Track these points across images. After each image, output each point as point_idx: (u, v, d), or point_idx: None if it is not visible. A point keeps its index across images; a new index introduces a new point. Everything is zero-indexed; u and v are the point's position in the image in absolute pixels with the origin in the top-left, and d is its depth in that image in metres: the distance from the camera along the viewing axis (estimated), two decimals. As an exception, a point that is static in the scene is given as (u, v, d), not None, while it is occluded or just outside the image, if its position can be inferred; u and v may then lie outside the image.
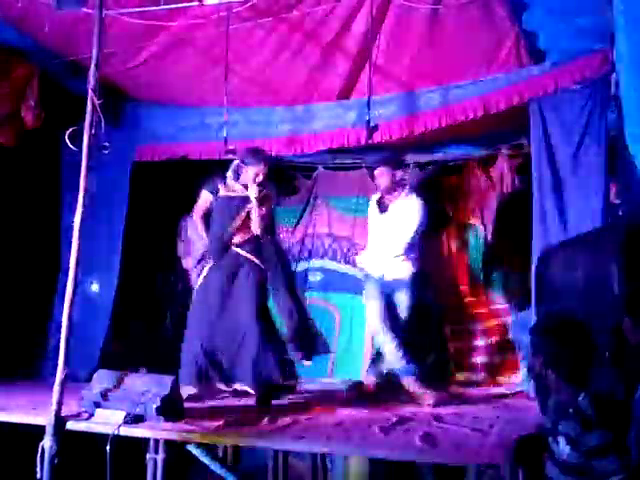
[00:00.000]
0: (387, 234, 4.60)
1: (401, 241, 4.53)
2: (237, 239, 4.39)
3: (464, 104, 4.86)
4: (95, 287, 5.13)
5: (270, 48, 4.74)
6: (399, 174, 4.69)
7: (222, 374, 4.20)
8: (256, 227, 4.35)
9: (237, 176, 4.49)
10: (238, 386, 4.17)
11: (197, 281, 4.47)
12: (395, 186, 4.67)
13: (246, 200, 4.38)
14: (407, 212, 4.58)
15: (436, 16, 4.30)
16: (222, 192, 4.47)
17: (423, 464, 3.95)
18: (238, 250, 4.38)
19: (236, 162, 4.53)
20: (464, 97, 4.87)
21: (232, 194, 4.45)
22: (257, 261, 4.38)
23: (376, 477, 3.59)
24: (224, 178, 4.51)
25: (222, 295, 4.31)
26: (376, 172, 4.71)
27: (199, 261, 4.54)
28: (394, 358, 4.39)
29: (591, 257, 3.10)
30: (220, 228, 4.42)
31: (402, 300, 4.53)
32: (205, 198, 4.54)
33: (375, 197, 4.83)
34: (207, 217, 4.55)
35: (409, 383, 4.37)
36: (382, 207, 4.72)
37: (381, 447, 3.04)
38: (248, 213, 4.38)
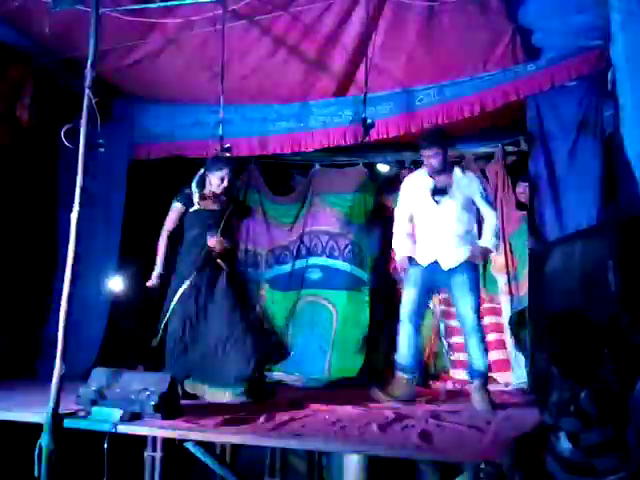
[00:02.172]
0: (447, 220, 4.19)
1: (467, 225, 4.24)
2: (216, 246, 4.36)
3: (460, 101, 4.88)
4: (92, 285, 5.13)
5: (266, 46, 4.74)
6: (449, 153, 4.37)
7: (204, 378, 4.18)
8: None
9: (202, 187, 4.45)
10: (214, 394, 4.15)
11: (173, 296, 4.38)
12: (446, 165, 4.26)
13: (222, 212, 4.41)
14: (471, 189, 4.26)
15: (432, 13, 4.31)
16: (196, 205, 4.44)
17: (421, 461, 3.96)
18: (218, 261, 4.37)
19: (200, 172, 4.50)
20: (460, 94, 4.89)
21: (208, 207, 4.43)
22: (232, 268, 4.41)
23: (374, 475, 3.59)
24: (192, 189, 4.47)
25: (203, 304, 4.29)
26: (428, 152, 4.20)
27: (161, 275, 4.51)
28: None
29: (587, 253, 3.11)
30: (199, 240, 4.36)
31: (465, 287, 4.16)
32: (178, 210, 4.47)
33: (425, 182, 4.31)
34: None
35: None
36: (438, 190, 4.24)
37: (379, 445, 3.04)
38: (226, 224, 4.39)
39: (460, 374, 5.53)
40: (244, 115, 5.39)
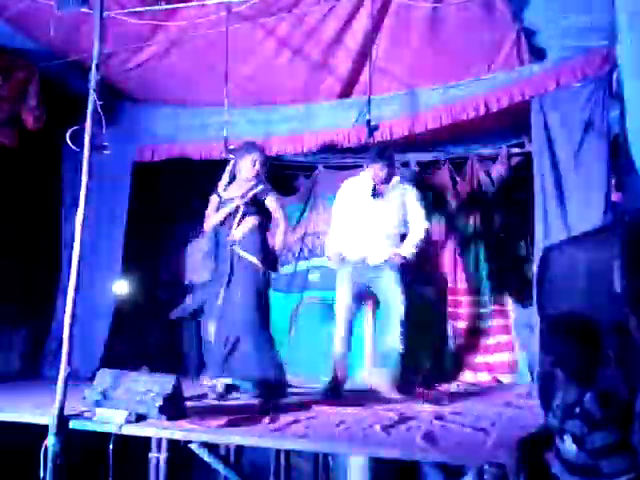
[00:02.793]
0: (379, 220, 4.64)
1: (396, 228, 4.67)
2: (235, 236, 4.41)
3: (465, 103, 4.86)
4: (97, 286, 5.14)
5: (270, 47, 4.74)
6: (395, 171, 4.81)
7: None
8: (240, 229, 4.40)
9: (233, 176, 4.53)
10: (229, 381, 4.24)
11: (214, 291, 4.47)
12: (389, 178, 4.72)
13: (242, 198, 4.43)
14: (405, 200, 4.71)
15: (437, 14, 4.30)
16: (224, 195, 4.53)
17: (425, 463, 3.95)
18: (235, 248, 4.39)
19: (231, 163, 4.57)
20: (465, 96, 4.86)
21: (232, 195, 4.49)
22: (254, 259, 4.38)
23: (378, 476, 3.58)
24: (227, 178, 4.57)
25: (225, 297, 4.35)
26: (375, 165, 4.68)
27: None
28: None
29: (593, 255, 3.10)
30: (225, 231, 4.46)
31: (389, 282, 4.56)
32: (213, 202, 4.56)
33: (366, 186, 4.74)
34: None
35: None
36: (376, 193, 4.70)
37: (383, 446, 3.04)
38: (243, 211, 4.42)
39: (467, 375, 5.53)
40: (248, 117, 5.39)
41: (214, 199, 4.55)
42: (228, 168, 4.61)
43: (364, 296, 4.83)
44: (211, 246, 4.69)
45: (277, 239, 4.53)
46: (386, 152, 4.76)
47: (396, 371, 4.50)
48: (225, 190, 4.57)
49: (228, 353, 4.26)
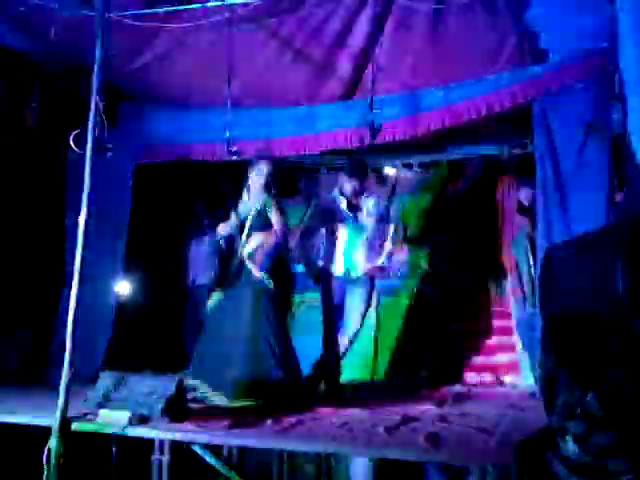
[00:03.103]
0: (358, 235, 4.82)
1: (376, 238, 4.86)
2: (245, 251, 4.46)
3: (467, 104, 4.86)
4: (99, 287, 5.15)
5: (272, 49, 4.75)
6: (365, 182, 4.93)
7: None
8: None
9: (248, 188, 4.58)
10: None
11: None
12: (362, 191, 4.88)
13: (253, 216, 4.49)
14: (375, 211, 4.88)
15: (438, 16, 4.31)
16: (240, 211, 4.60)
17: (428, 464, 3.95)
18: (247, 262, 4.44)
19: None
20: (467, 97, 4.86)
21: (245, 210, 4.56)
22: (261, 274, 4.39)
23: (381, 477, 3.58)
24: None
25: (233, 314, 4.36)
26: (350, 181, 4.83)
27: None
28: None
29: (595, 256, 3.09)
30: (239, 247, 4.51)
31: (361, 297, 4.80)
32: (232, 220, 4.62)
33: (342, 203, 4.88)
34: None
35: None
36: (352, 209, 4.86)
37: (386, 447, 3.03)
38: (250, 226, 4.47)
39: (469, 377, 5.53)
40: (250, 118, 5.38)
41: (232, 217, 4.62)
42: (245, 187, 4.66)
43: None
44: (214, 249, 4.70)
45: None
46: (359, 168, 4.95)
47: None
48: (241, 205, 4.61)
49: (219, 365, 4.24)
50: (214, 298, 4.52)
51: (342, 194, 4.88)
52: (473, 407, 4.12)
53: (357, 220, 4.84)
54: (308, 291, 6.15)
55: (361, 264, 4.78)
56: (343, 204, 4.86)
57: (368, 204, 4.88)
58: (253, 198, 4.55)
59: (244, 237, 4.47)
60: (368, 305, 4.89)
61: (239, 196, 4.64)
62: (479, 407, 4.07)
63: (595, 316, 2.43)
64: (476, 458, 2.85)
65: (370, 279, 4.86)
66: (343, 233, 4.83)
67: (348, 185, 4.83)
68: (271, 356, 4.19)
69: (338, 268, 4.79)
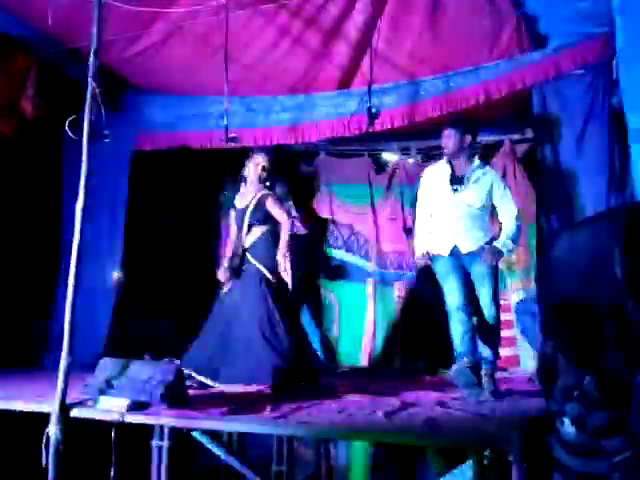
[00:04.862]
0: (462, 207, 4.08)
1: (483, 214, 4.11)
2: (245, 245, 4.48)
3: (466, 91, 4.85)
4: (98, 274, 5.16)
5: (270, 36, 4.73)
6: (468, 139, 4.13)
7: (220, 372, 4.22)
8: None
9: (244, 179, 4.59)
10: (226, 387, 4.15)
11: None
12: (463, 152, 4.13)
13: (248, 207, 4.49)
14: (488, 185, 4.10)
15: (437, 2, 4.29)
16: (238, 204, 4.60)
17: (426, 448, 3.97)
18: (247, 255, 4.46)
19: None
20: (466, 84, 4.86)
21: (242, 205, 4.56)
22: (262, 267, 4.40)
23: (380, 462, 3.60)
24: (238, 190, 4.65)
25: (235, 304, 4.37)
26: (444, 133, 4.15)
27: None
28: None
29: (594, 241, 3.09)
30: (236, 241, 4.52)
31: (483, 276, 4.04)
32: (232, 216, 4.65)
33: (444, 169, 4.20)
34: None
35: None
36: (456, 180, 4.12)
37: (385, 432, 3.05)
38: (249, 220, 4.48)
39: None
40: (248, 106, 5.38)
41: (232, 213, 4.64)
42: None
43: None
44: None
45: (280, 243, 4.41)
46: (456, 120, 4.28)
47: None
48: (238, 199, 4.63)
49: (219, 354, 4.25)
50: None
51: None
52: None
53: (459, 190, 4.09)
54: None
55: (470, 236, 4.09)
56: (447, 171, 4.14)
57: (476, 172, 4.14)
58: (250, 189, 4.55)
59: (244, 230, 4.47)
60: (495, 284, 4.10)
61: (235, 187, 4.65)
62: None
63: (592, 301, 2.43)
64: (474, 442, 2.86)
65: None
66: (444, 206, 4.14)
67: (445, 140, 4.13)
68: (267, 343, 4.19)
69: (444, 247, 4.11)
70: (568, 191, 4.43)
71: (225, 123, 4.59)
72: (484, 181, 4.10)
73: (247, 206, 4.50)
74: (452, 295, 4.01)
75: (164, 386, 3.35)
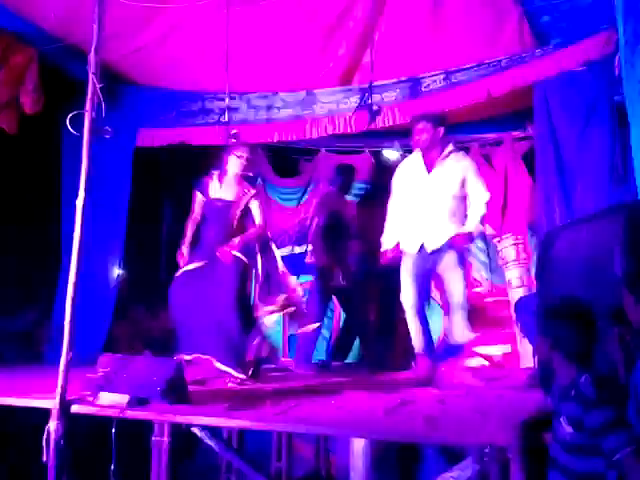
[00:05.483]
0: (431, 199, 4.14)
1: (450, 206, 4.14)
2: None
3: (467, 87, 4.84)
4: (99, 270, 5.16)
5: (271, 31, 4.72)
6: (441, 132, 4.19)
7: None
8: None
9: (224, 171, 4.46)
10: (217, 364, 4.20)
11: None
12: (435, 144, 4.19)
13: (236, 204, 4.41)
14: (458, 172, 4.15)
15: (438, -2, 4.29)
16: (213, 194, 4.44)
17: (426, 446, 3.97)
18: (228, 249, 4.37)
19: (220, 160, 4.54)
20: (467, 81, 4.85)
21: (222, 197, 4.43)
22: (239, 254, 4.35)
23: (379, 459, 3.60)
24: (211, 175, 4.49)
25: (203, 284, 4.31)
26: (417, 126, 4.22)
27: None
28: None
29: (594, 238, 3.09)
30: (214, 234, 4.40)
31: (452, 269, 4.13)
32: (198, 201, 4.49)
33: (417, 161, 4.27)
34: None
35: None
36: (428, 170, 4.20)
37: (384, 429, 3.05)
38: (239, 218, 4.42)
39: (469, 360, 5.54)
40: (249, 102, 5.38)
41: (199, 197, 4.47)
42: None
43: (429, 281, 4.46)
44: None
45: (244, 234, 4.41)
46: (429, 114, 4.33)
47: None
48: (212, 188, 4.49)
49: (201, 331, 4.25)
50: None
51: None
52: (471, 389, 4.13)
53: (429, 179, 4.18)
54: (305, 273, 6.16)
55: (438, 233, 4.14)
56: (419, 162, 4.24)
57: (448, 161, 4.21)
58: (231, 183, 4.45)
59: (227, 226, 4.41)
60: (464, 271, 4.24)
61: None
62: (477, 389, 4.07)
63: (591, 299, 2.43)
64: (474, 439, 2.86)
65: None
66: (415, 198, 4.21)
67: (418, 134, 4.22)
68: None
69: (412, 245, 4.21)
70: (569, 188, 4.43)
71: (226, 119, 4.59)
72: (456, 168, 4.15)
73: (230, 203, 4.42)
74: (407, 294, 4.18)
75: (164, 382, 3.35)
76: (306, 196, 6.35)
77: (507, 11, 4.36)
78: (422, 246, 4.15)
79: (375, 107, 4.54)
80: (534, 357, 4.68)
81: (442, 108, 4.89)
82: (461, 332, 4.11)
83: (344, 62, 5.09)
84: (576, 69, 4.46)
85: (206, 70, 5.02)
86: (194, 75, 5.28)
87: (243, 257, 4.35)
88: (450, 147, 4.22)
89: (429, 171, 4.18)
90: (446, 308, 4.40)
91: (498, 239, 5.88)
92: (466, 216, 4.16)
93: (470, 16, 4.41)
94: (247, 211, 4.46)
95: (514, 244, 5.76)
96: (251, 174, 4.53)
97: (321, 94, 5.33)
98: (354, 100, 5.14)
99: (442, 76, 4.94)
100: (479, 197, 4.14)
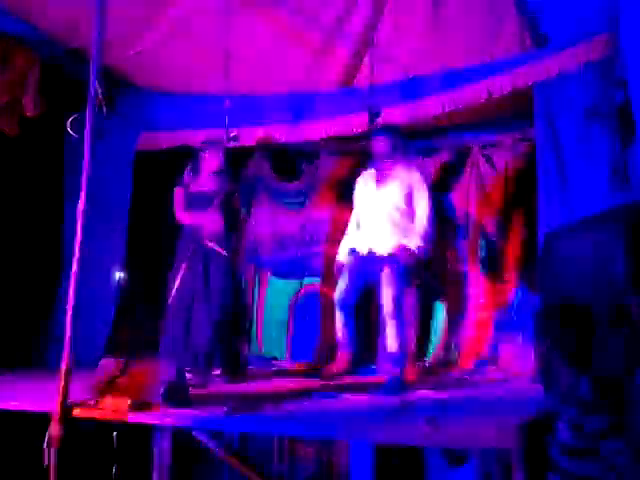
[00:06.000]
0: (384, 207, 4.38)
1: (406, 215, 4.36)
2: (207, 232, 4.47)
3: (467, 89, 4.83)
4: (100, 273, 5.15)
5: (271, 34, 4.72)
6: (399, 143, 4.46)
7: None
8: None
9: (197, 168, 4.61)
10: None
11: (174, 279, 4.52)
12: (392, 155, 4.44)
13: (214, 193, 4.49)
14: (409, 183, 4.39)
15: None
16: (192, 187, 4.59)
17: (428, 448, 3.96)
18: (208, 243, 4.45)
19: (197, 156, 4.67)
20: (467, 82, 4.84)
21: (203, 188, 4.55)
22: (224, 253, 4.44)
23: (381, 461, 3.60)
24: (189, 171, 4.64)
25: (196, 289, 4.43)
26: (377, 138, 4.46)
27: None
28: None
29: (595, 239, 3.09)
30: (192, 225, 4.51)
31: (387, 281, 4.27)
32: (180, 193, 4.61)
33: (369, 172, 4.58)
34: None
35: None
36: (380, 179, 4.47)
37: (386, 431, 3.04)
38: (226, 205, 4.50)
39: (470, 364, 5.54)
40: (249, 104, 5.37)
41: (178, 190, 4.60)
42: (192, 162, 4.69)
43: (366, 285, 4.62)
44: None
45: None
46: (388, 127, 4.55)
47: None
48: (192, 182, 4.62)
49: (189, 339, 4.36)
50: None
51: None
52: (472, 391, 4.13)
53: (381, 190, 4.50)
54: (308, 276, 6.16)
55: (387, 240, 4.39)
56: (372, 174, 4.58)
57: (400, 173, 4.48)
58: (209, 179, 4.58)
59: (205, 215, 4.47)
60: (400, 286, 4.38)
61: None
62: (477, 391, 4.08)
63: (592, 301, 2.43)
64: (476, 441, 2.86)
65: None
66: (368, 207, 4.54)
67: (376, 145, 4.48)
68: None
69: (362, 247, 4.51)
70: (570, 190, 4.42)
71: (226, 122, 4.59)
72: (405, 180, 4.38)
73: (212, 191, 4.50)
74: (339, 288, 4.43)
75: (165, 385, 3.35)
76: (309, 199, 6.34)
77: (507, 12, 4.35)
78: (370, 250, 4.39)
79: (374, 109, 4.53)
80: (535, 358, 4.68)
81: (442, 109, 4.89)
82: (392, 342, 4.21)
83: (344, 64, 5.08)
84: (577, 70, 4.45)
85: (206, 72, 5.01)
86: (194, 77, 5.27)
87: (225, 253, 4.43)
88: (402, 163, 4.44)
89: (379, 184, 4.45)
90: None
91: (498, 239, 5.87)
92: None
93: (470, 17, 4.41)
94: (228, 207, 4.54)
95: (514, 244, 5.74)
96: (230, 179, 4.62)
97: (321, 96, 5.33)
98: (354, 102, 5.14)
99: (442, 77, 4.93)
100: (421, 214, 4.34)
